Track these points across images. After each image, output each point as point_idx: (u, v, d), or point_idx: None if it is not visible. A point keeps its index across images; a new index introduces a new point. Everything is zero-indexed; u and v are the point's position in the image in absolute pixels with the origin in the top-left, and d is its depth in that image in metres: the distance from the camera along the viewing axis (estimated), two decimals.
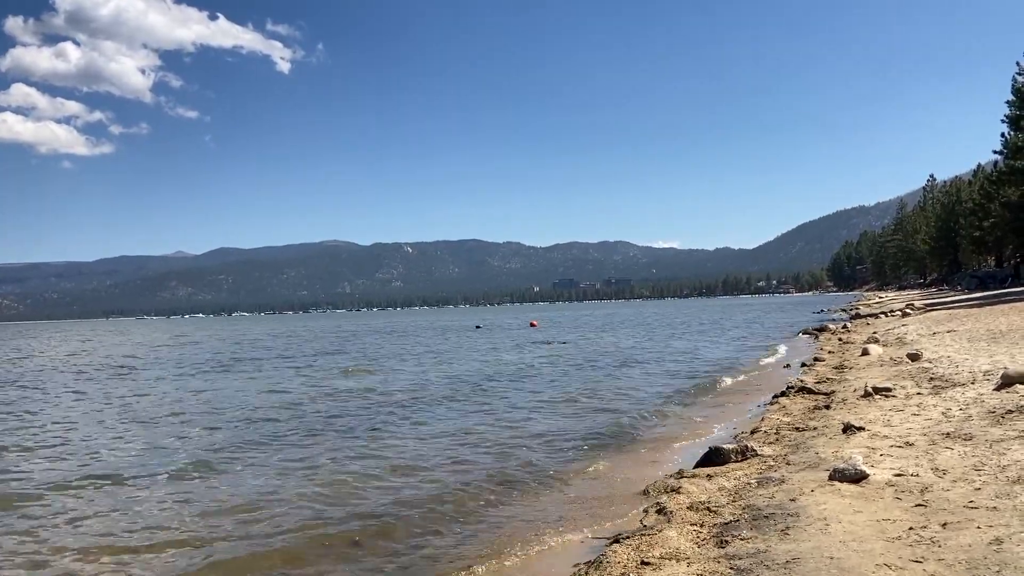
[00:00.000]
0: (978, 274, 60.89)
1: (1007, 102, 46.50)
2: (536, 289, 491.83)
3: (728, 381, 15.13)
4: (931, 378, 9.44)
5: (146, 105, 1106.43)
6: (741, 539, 4.37)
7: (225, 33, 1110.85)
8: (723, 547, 4.32)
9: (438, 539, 5.77)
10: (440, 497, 6.79)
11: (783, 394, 10.61)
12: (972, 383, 8.46)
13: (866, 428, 6.85)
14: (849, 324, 28.74)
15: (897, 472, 5.25)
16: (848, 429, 6.85)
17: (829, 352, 17.68)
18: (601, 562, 4.53)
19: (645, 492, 6.38)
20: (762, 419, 8.92)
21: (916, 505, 4.52)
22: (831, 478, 5.22)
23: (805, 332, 28.46)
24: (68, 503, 7.03)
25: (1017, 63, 44.89)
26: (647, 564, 4.29)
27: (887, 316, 29.49)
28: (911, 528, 4.13)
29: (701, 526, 4.88)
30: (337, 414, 12.19)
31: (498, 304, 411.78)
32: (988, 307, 23.61)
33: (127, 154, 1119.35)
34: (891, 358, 12.90)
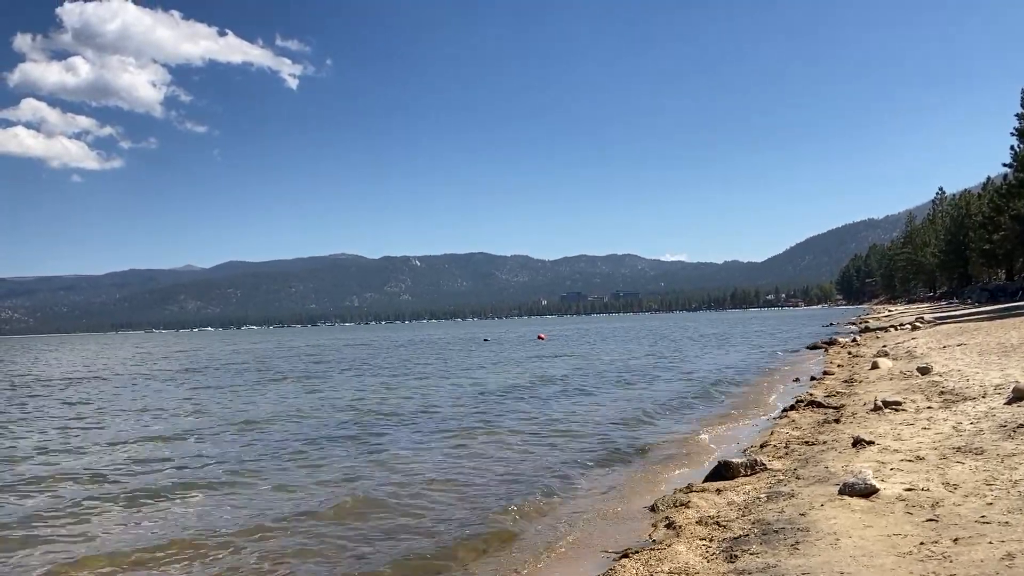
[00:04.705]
0: (988, 287, 60.47)
1: (1016, 115, 46.53)
2: (544, 302, 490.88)
3: (737, 394, 15.08)
4: (941, 392, 9.39)
5: (156, 120, 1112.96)
6: (751, 554, 4.35)
7: (234, 49, 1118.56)
8: (732, 562, 4.30)
9: (441, 547, 5.78)
10: (445, 516, 6.79)
11: (792, 408, 10.57)
12: (983, 397, 8.41)
13: (876, 442, 6.81)
14: (858, 337, 28.59)
15: (907, 487, 5.22)
16: (858, 443, 6.82)
17: (838, 366, 17.61)
18: None
19: (654, 506, 6.35)
20: (771, 433, 8.88)
21: (927, 520, 4.49)
22: (841, 492, 5.19)
23: (814, 346, 28.32)
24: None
25: None
26: None
27: (897, 329, 29.31)
28: (922, 543, 4.11)
29: (710, 541, 4.86)
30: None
31: (506, 317, 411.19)
32: (999, 320, 23.44)
33: (137, 168, 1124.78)
34: (901, 372, 12.83)
